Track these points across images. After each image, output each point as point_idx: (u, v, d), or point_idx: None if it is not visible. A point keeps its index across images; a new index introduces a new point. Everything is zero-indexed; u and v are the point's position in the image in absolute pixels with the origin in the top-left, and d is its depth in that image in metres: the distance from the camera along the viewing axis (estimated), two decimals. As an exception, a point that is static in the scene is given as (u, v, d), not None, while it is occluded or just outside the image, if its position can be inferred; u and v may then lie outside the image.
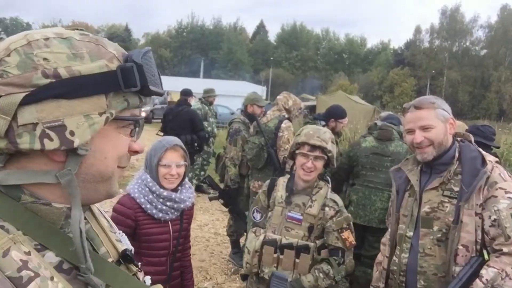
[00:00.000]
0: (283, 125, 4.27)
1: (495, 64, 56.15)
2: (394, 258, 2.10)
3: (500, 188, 1.85)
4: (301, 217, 2.37)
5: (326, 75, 66.17)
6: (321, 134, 2.37)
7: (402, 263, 2.04)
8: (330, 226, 2.35)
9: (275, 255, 2.35)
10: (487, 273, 1.77)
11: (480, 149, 2.02)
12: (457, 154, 1.97)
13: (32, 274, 0.62)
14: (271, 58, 67.76)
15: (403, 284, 2.05)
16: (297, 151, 2.40)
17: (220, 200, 4.63)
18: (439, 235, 1.93)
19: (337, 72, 65.02)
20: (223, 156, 5.07)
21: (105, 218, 0.90)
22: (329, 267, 2.31)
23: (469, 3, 71.97)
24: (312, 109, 16.35)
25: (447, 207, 1.93)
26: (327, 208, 2.37)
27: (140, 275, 0.88)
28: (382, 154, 3.77)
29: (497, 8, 68.80)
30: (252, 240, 2.42)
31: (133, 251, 0.89)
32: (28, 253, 0.64)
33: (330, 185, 2.47)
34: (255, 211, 2.58)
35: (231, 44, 69.25)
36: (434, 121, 1.94)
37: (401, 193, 2.13)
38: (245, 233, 4.64)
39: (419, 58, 60.01)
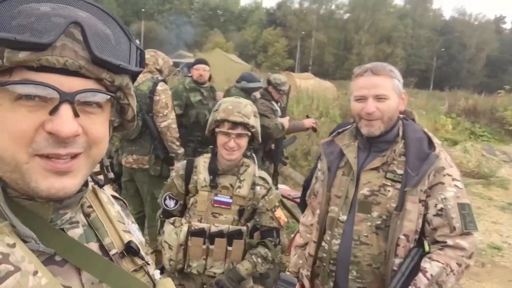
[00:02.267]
0: (159, 87, 3.70)
1: (356, 28, 60.75)
2: (324, 244, 1.86)
3: (448, 174, 1.68)
4: (230, 200, 2.11)
5: (201, 32, 64.86)
6: (241, 108, 2.08)
7: (332, 251, 1.80)
8: (263, 206, 2.15)
9: (204, 246, 2.08)
10: (431, 267, 1.59)
11: (426, 130, 1.81)
12: (401, 133, 1.75)
13: (12, 269, 0.59)
14: (142, 10, 63.89)
15: (333, 274, 1.83)
16: (217, 129, 2.10)
17: (114, 184, 4.02)
18: (378, 222, 1.70)
19: (212, 29, 64.16)
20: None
21: (115, 207, 0.84)
22: (266, 250, 2.13)
23: (335, -32, 75.76)
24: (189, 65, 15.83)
25: (389, 191, 1.70)
26: (258, 187, 2.16)
27: (150, 268, 0.82)
28: None
29: (359, -25, 73.42)
30: (171, 233, 2.10)
31: (143, 243, 0.83)
32: (13, 245, 0.61)
33: (256, 162, 2.23)
34: (167, 197, 2.21)
35: (97, -8, 63.36)
36: (390, 92, 1.69)
37: (333, 170, 1.87)
38: None
39: (290, 19, 62.05)
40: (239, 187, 2.12)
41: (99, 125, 0.66)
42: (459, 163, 9.08)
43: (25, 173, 0.60)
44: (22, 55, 0.56)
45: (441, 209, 1.64)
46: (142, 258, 0.79)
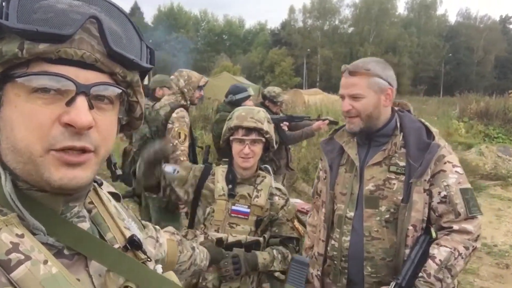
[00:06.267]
0: (174, 114, 3.43)
1: (361, 40, 60.97)
2: (333, 242, 1.87)
3: (448, 161, 1.72)
4: (248, 210, 2.04)
5: (208, 57, 65.75)
6: (254, 114, 2.06)
7: (343, 248, 1.82)
8: (283, 216, 2.10)
9: None
10: (439, 252, 1.64)
11: (422, 119, 1.84)
12: (398, 125, 1.78)
13: (22, 257, 0.60)
14: (150, 41, 65.15)
15: (345, 271, 1.83)
16: (231, 138, 2.08)
17: (135, 198, 3.95)
18: (387, 216, 1.73)
19: (219, 53, 65.03)
20: (131, 150, 4.10)
21: (114, 205, 0.85)
22: (287, 251, 2.06)
23: (335, -16, 76.51)
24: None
25: (394, 184, 1.73)
26: (276, 198, 2.11)
27: (151, 264, 0.82)
28: None
29: (359, -11, 73.98)
30: None
31: (141, 240, 0.83)
32: (21, 236, 0.62)
33: (272, 174, 2.19)
34: (166, 165, 2.11)
35: (105, 27, 65.08)
36: (365, 91, 1.73)
37: (335, 168, 1.90)
38: None
39: (294, 37, 62.67)
40: (257, 196, 2.06)
41: (109, 121, 0.68)
42: (475, 166, 8.99)
43: (40, 165, 0.62)
44: (42, 46, 0.59)
45: (445, 196, 1.68)
46: (145, 253, 0.80)
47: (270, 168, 2.23)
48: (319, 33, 63.70)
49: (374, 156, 1.78)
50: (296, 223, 2.15)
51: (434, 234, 1.70)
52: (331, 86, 50.39)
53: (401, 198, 1.70)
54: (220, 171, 2.13)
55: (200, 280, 2.00)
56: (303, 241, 2.22)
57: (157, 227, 1.20)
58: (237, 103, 3.85)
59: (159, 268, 0.85)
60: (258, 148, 2.06)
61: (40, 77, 0.60)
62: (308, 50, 61.27)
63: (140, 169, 3.67)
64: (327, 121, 4.69)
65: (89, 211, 0.78)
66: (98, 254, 0.69)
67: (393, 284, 1.61)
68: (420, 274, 1.63)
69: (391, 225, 1.73)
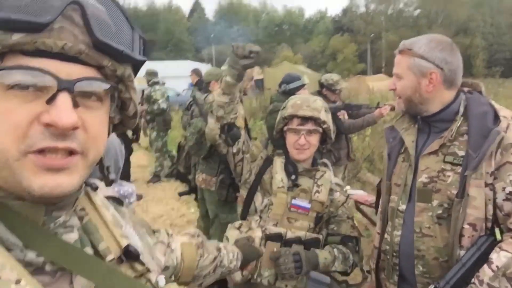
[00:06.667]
0: None
1: (429, 23, 58.00)
2: (386, 236, 1.73)
3: None
4: (309, 206, 1.90)
5: (269, 48, 65.84)
6: (310, 102, 1.91)
7: (394, 243, 1.67)
8: (343, 213, 1.98)
9: None
10: (498, 258, 1.39)
11: (493, 102, 1.56)
12: (462, 109, 1.54)
13: None
14: (212, 35, 66.57)
15: (397, 267, 1.68)
16: (285, 128, 1.95)
17: (192, 195, 4.06)
18: (440, 212, 1.53)
19: (279, 44, 64.89)
20: (185, 145, 4.25)
21: (111, 212, 0.76)
22: (348, 251, 1.94)
23: (399, -35, 73.35)
24: (260, 82, 16.14)
25: (449, 176, 1.52)
26: (337, 193, 1.99)
27: (152, 274, 0.75)
28: None
29: (425, -32, 70.33)
30: None
31: (141, 248, 0.76)
32: None
33: (331, 169, 2.04)
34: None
35: (168, 24, 67.37)
36: (404, 71, 1.60)
37: (394, 157, 1.74)
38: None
39: (357, 23, 60.94)
40: (317, 191, 1.92)
41: (98, 121, 0.60)
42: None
43: (16, 170, 0.54)
44: (16, 37, 0.51)
45: (510, 193, 1.42)
46: (143, 264, 0.73)
47: (329, 163, 2.08)
48: (382, 18, 61.39)
49: (431, 144, 1.60)
50: (355, 221, 2.02)
51: (498, 236, 1.47)
52: (397, 72, 48.57)
53: (455, 192, 1.49)
54: (279, 162, 1.99)
55: (255, 276, 1.90)
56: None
57: (170, 231, 1.13)
58: (291, 93, 3.65)
59: (161, 280, 0.77)
60: (315, 139, 1.92)
61: (14, 72, 0.52)
62: (372, 35, 59.29)
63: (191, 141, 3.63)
64: (388, 107, 4.45)
65: (81, 219, 0.69)
66: (84, 269, 0.62)
67: None
68: (472, 280, 1.42)
69: (445, 221, 1.53)
